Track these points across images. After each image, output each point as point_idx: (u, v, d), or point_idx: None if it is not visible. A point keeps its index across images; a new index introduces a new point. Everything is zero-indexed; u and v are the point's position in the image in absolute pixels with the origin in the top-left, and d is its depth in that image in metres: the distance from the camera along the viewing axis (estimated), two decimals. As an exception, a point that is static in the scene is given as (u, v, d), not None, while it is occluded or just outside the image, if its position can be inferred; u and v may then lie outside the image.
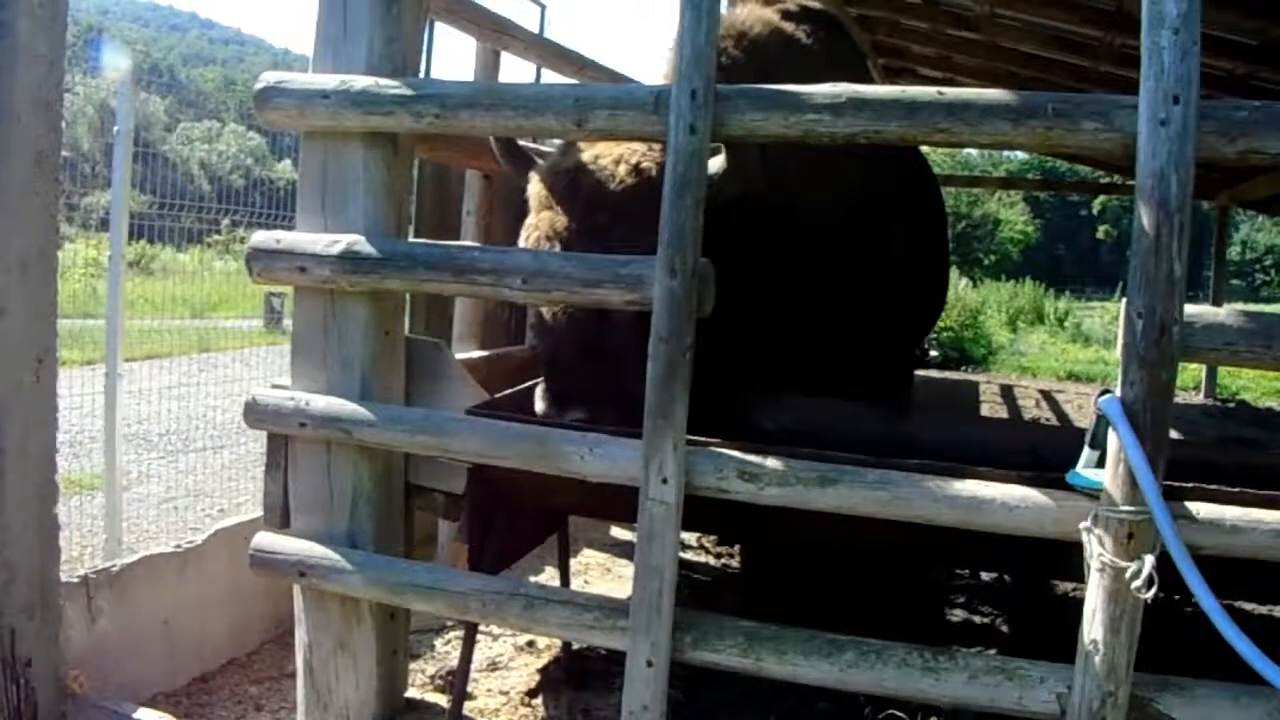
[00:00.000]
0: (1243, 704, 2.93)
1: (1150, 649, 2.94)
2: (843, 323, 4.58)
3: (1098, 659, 2.88)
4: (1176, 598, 3.47)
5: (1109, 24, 8.54)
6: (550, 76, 7.15)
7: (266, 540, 3.86)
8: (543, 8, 8.33)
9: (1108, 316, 30.55)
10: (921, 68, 13.32)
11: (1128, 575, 2.73)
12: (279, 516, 3.96)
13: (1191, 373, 17.55)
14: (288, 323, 4.47)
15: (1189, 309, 2.79)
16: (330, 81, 3.61)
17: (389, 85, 3.54)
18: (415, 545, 4.35)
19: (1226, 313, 2.87)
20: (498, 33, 6.55)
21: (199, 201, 7.64)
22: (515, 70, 7.59)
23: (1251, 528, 2.84)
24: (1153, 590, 2.67)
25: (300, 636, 3.99)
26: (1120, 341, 2.83)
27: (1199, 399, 17.15)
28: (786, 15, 5.02)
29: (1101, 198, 59.01)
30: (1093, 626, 2.89)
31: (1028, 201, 57.45)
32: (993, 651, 4.67)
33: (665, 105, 3.17)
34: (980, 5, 9.40)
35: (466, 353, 5.84)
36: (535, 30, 7.52)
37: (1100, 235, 76.07)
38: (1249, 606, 5.45)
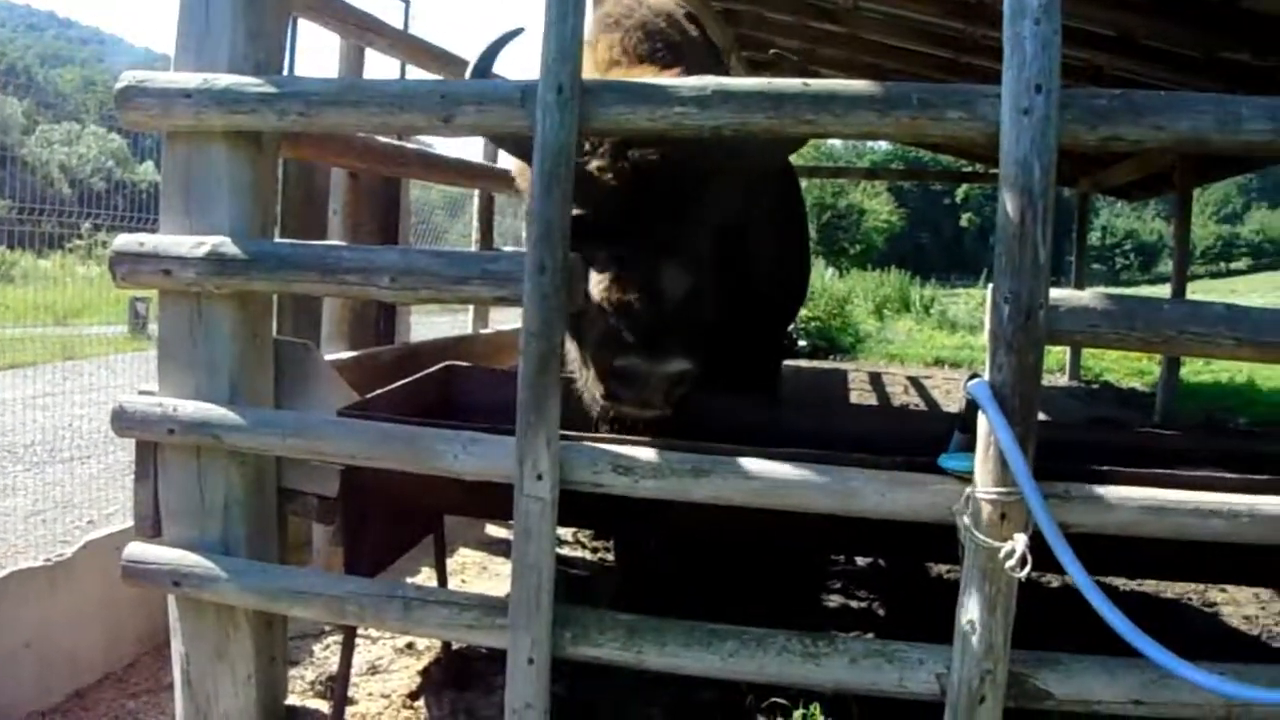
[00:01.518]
0: (1117, 676, 3.02)
1: (1026, 627, 3.01)
2: (711, 312, 4.56)
3: (975, 639, 2.94)
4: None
5: (971, 16, 8.73)
6: (416, 73, 7.09)
7: (139, 550, 3.78)
8: (407, 4, 8.27)
9: (973, 303, 31.09)
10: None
11: (1001, 555, 2.79)
12: (150, 526, 3.88)
13: (1056, 356, 17.92)
14: (153, 327, 4.38)
15: (1054, 293, 2.86)
16: (193, 80, 3.53)
17: (252, 83, 3.48)
18: (290, 550, 4.29)
19: (1090, 296, 2.95)
20: (362, 29, 6.48)
21: (60, 206, 7.48)
22: (381, 68, 7.55)
23: (1120, 504, 2.92)
24: (1026, 569, 2.73)
25: (177, 648, 3.92)
26: (987, 326, 2.88)
27: (1064, 381, 17.54)
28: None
29: (964, 186, 60.31)
30: (969, 607, 2.95)
31: (892, 191, 58.15)
32: (871, 636, 4.73)
33: (532, 100, 3.15)
34: (843, -2, 9.54)
35: (335, 353, 5.77)
36: (400, 26, 7.45)
37: (964, 223, 77.97)
38: (1119, 582, 5.60)
